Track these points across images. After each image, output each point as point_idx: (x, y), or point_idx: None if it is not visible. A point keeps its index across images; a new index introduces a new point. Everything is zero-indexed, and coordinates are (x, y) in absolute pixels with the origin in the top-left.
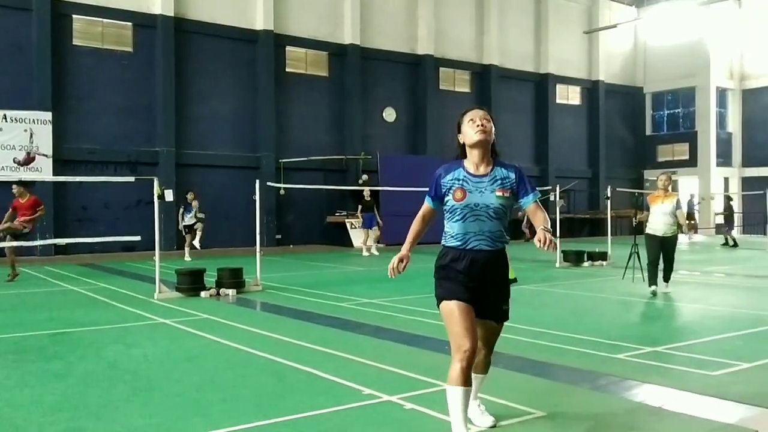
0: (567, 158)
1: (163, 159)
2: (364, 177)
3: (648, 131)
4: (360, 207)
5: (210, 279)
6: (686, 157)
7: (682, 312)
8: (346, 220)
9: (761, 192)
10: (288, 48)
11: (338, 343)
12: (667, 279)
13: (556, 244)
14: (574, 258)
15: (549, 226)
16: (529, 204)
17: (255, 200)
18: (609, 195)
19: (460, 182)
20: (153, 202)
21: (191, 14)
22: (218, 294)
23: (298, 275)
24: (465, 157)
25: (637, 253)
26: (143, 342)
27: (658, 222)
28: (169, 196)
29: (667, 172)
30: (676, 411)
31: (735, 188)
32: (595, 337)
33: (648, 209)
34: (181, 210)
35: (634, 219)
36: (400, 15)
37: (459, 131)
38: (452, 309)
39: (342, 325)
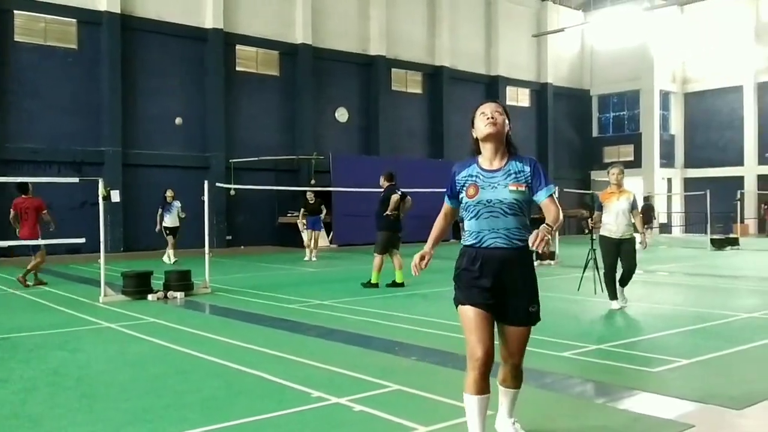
0: None
1: (109, 159)
2: (313, 181)
3: (594, 133)
4: (303, 210)
5: (157, 281)
6: (631, 158)
7: (626, 310)
8: (298, 221)
9: (702, 192)
10: (238, 47)
11: (287, 346)
12: (623, 284)
13: (548, 241)
14: None
15: (558, 224)
16: (543, 199)
17: (204, 201)
18: (557, 195)
19: (473, 178)
20: (98, 204)
21: (138, 11)
22: (166, 297)
23: (248, 277)
24: (479, 153)
25: (595, 261)
26: (87, 347)
27: (613, 222)
28: (115, 197)
29: (619, 165)
30: (619, 407)
31: (678, 188)
32: (541, 336)
33: (600, 209)
34: (160, 210)
35: (585, 223)
36: (352, 16)
37: (473, 126)
38: (467, 315)
39: (292, 328)
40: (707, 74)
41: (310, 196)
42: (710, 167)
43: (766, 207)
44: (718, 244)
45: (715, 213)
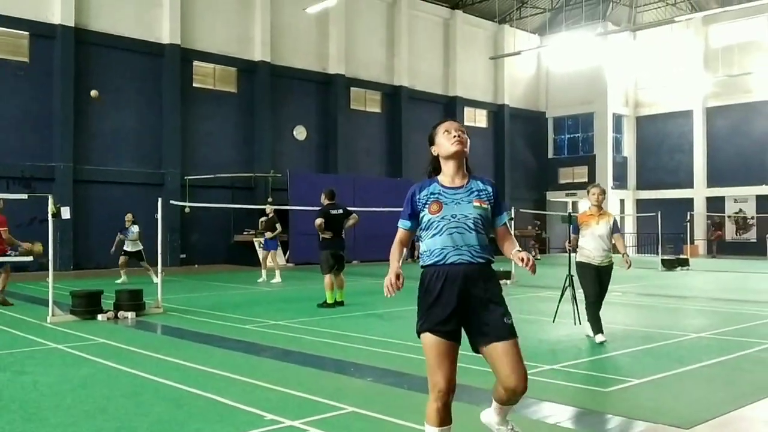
0: None
1: (60, 175)
2: (270, 200)
3: (550, 154)
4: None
5: (108, 301)
6: (585, 179)
7: (579, 330)
8: (255, 240)
9: (653, 213)
10: (195, 63)
11: (241, 367)
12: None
13: (534, 268)
14: None
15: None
16: (500, 224)
17: (157, 218)
18: (512, 216)
19: (435, 195)
20: (48, 220)
21: (93, 25)
22: (116, 317)
23: (202, 296)
24: (438, 172)
25: (573, 288)
26: (33, 369)
27: (593, 248)
28: (65, 213)
29: (599, 185)
30: (571, 427)
31: (630, 210)
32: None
33: (577, 231)
34: (119, 235)
35: (567, 244)
36: (311, 34)
37: (431, 143)
38: (429, 343)
39: (246, 349)
40: (658, 99)
41: (270, 212)
42: (661, 189)
43: (713, 229)
44: (669, 265)
45: (666, 234)
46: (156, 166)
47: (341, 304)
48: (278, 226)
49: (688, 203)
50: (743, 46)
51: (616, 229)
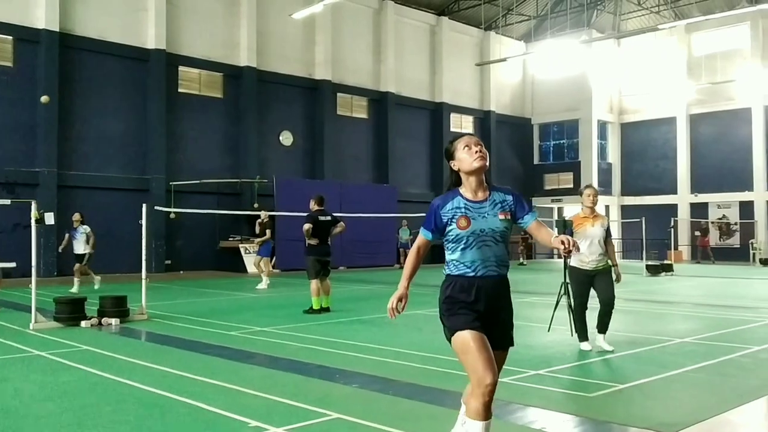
0: None
1: (44, 180)
2: (256, 205)
3: (536, 160)
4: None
5: (91, 307)
6: (570, 185)
7: (565, 336)
8: (241, 245)
9: (638, 219)
10: (181, 68)
11: (226, 374)
12: (603, 329)
13: (578, 246)
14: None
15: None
16: (531, 222)
17: (142, 224)
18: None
19: (462, 210)
20: (31, 226)
21: (78, 30)
22: (100, 324)
23: (187, 303)
24: (458, 185)
25: (568, 296)
26: (14, 376)
27: (585, 252)
28: (49, 219)
29: (592, 186)
30: None
31: (615, 215)
32: None
33: (572, 235)
34: (67, 235)
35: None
36: (298, 40)
37: (450, 159)
38: (468, 340)
39: (231, 355)
40: (642, 106)
41: (263, 216)
42: (646, 195)
43: (699, 234)
44: (654, 270)
45: (650, 240)
46: (141, 171)
47: (327, 310)
48: (268, 232)
49: (672, 209)
50: (726, 53)
51: (609, 232)
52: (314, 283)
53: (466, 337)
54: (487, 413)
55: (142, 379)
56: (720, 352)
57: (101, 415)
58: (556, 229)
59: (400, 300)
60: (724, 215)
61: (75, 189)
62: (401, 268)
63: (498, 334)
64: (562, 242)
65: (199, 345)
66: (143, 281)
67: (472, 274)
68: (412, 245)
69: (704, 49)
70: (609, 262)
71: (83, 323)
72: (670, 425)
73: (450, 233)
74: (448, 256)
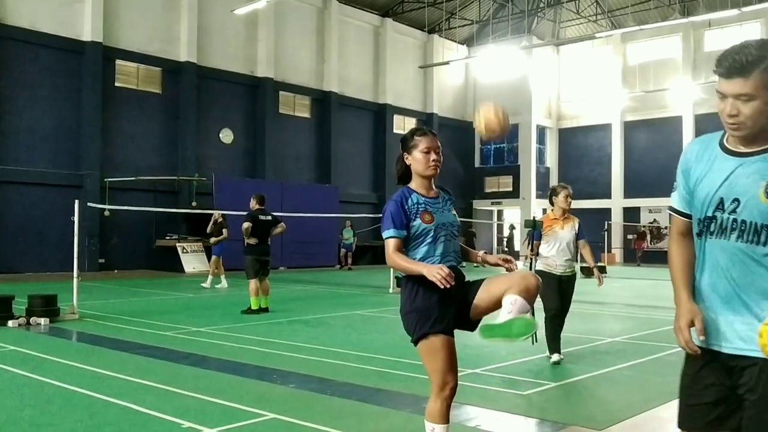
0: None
1: None
2: (194, 204)
3: (476, 163)
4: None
5: (20, 307)
6: (510, 188)
7: None
8: (178, 244)
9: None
10: (118, 62)
11: (159, 375)
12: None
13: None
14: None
15: None
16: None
17: (74, 221)
18: None
19: (423, 205)
20: None
21: (10, 20)
22: (28, 323)
23: (120, 302)
24: (407, 175)
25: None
26: None
27: (553, 255)
28: None
29: (567, 186)
30: (490, 429)
31: None
32: (416, 361)
33: (540, 237)
34: None
35: (529, 252)
36: (240, 36)
37: (406, 151)
38: (436, 345)
39: (164, 356)
40: (580, 112)
41: (216, 215)
42: (581, 199)
43: (636, 237)
44: (587, 272)
45: None
46: (75, 167)
47: (266, 310)
48: (225, 231)
49: (606, 213)
50: (659, 63)
51: (581, 234)
52: (253, 283)
53: (438, 342)
54: (446, 416)
55: (72, 380)
56: (648, 351)
57: (29, 418)
58: (526, 230)
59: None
60: (655, 219)
61: (4, 184)
62: (341, 269)
63: (462, 321)
64: (502, 260)
65: (132, 345)
66: (75, 280)
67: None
68: (354, 247)
69: (639, 59)
70: (576, 269)
71: (10, 323)
72: (600, 422)
73: (413, 228)
74: (412, 254)
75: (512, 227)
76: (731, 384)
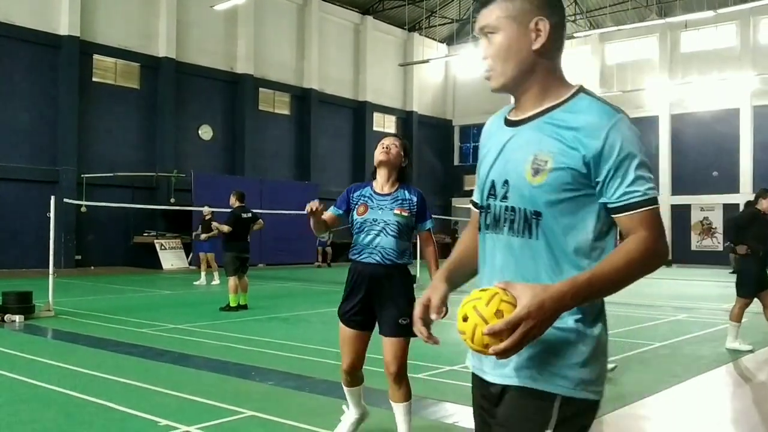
0: None
1: None
2: (172, 200)
3: (456, 161)
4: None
5: None
6: None
7: None
8: (156, 241)
9: None
10: (95, 56)
11: (136, 373)
12: None
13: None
14: None
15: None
16: (423, 230)
17: (50, 217)
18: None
19: (365, 199)
20: None
21: None
22: (3, 320)
23: (97, 299)
24: (375, 178)
25: None
26: None
27: None
28: None
29: None
30: (468, 426)
31: None
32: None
33: None
34: None
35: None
36: (219, 32)
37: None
38: (341, 330)
39: (142, 353)
40: None
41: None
42: None
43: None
44: None
45: None
46: (51, 162)
47: (245, 307)
48: (215, 226)
49: None
50: (636, 63)
51: None
52: (232, 280)
53: (341, 329)
54: (347, 383)
55: (47, 378)
56: (624, 348)
57: (2, 417)
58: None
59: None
60: None
61: None
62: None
63: (383, 321)
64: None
65: (109, 343)
66: (51, 276)
67: (357, 258)
68: (329, 244)
69: (616, 59)
70: None
71: None
72: None
73: (352, 218)
74: (353, 242)
75: None
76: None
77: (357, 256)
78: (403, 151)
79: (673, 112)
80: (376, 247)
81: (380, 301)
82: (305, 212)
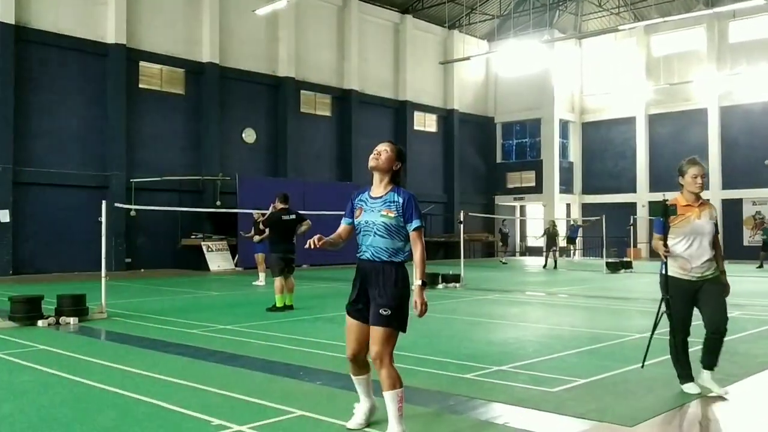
0: (424, 183)
1: None
2: (218, 203)
3: (498, 159)
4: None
5: (49, 306)
6: (533, 184)
7: (527, 332)
8: (203, 243)
9: (598, 217)
10: (142, 63)
11: (187, 373)
12: (711, 364)
13: (424, 311)
14: (428, 280)
15: (423, 272)
16: (410, 230)
17: (101, 222)
18: (462, 219)
19: (362, 202)
20: None
21: (35, 23)
22: (58, 323)
23: (147, 301)
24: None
25: (669, 314)
26: None
27: (692, 255)
28: (4, 217)
29: (699, 162)
30: (519, 427)
31: (576, 214)
32: (445, 358)
33: (662, 230)
34: None
35: (662, 249)
36: (261, 36)
37: None
38: (347, 321)
39: (192, 354)
40: (603, 105)
41: (256, 215)
42: (606, 194)
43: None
44: (613, 267)
45: (610, 237)
46: (100, 168)
47: (291, 308)
48: (267, 230)
49: (631, 207)
50: (683, 55)
51: (716, 228)
52: (278, 281)
53: (346, 319)
54: (353, 372)
55: (101, 378)
56: None
57: (59, 416)
58: (652, 219)
59: (319, 239)
60: None
61: (31, 186)
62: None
63: (371, 311)
64: (415, 306)
65: (160, 343)
66: (103, 279)
67: (358, 255)
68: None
69: (662, 51)
70: (717, 268)
71: (40, 322)
72: (630, 419)
73: (356, 221)
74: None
75: (553, 224)
76: None
77: (358, 254)
78: (397, 156)
79: (722, 104)
80: (369, 246)
81: (371, 293)
82: (309, 248)
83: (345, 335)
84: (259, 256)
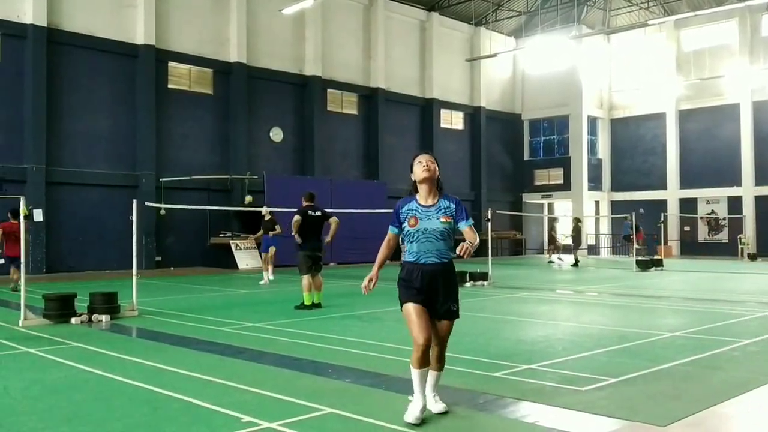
0: (451, 181)
1: (32, 176)
2: (249, 198)
3: (526, 156)
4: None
5: (81, 304)
6: (561, 181)
7: (556, 330)
8: (231, 242)
9: (627, 215)
10: (171, 64)
11: (217, 370)
12: None
13: (470, 252)
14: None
15: (476, 242)
16: (464, 227)
17: (132, 220)
18: (489, 217)
19: (413, 212)
20: (19, 223)
21: (66, 25)
22: (90, 320)
23: (177, 299)
24: (417, 192)
25: None
26: (5, 373)
27: None
28: (37, 216)
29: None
30: (549, 426)
31: (605, 211)
32: (474, 357)
33: None
34: None
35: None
36: (287, 36)
37: (411, 171)
38: (409, 310)
39: (221, 351)
40: (632, 101)
41: (264, 212)
42: (635, 191)
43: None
44: (643, 265)
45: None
46: (130, 167)
47: (318, 305)
48: (278, 227)
49: (662, 205)
50: (714, 50)
51: None
52: (306, 279)
53: (408, 308)
54: (420, 363)
55: (133, 375)
56: (709, 345)
57: (93, 412)
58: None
59: (370, 280)
60: (712, 210)
61: (63, 185)
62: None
63: (438, 307)
64: (459, 249)
65: (190, 341)
66: (134, 277)
67: (415, 261)
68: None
69: (693, 45)
70: None
71: (73, 320)
72: (662, 418)
73: (404, 229)
74: (407, 247)
75: (578, 221)
76: None
77: (416, 259)
78: (437, 165)
79: (755, 99)
80: (434, 250)
81: (438, 291)
82: (364, 291)
83: (408, 325)
84: (268, 252)
